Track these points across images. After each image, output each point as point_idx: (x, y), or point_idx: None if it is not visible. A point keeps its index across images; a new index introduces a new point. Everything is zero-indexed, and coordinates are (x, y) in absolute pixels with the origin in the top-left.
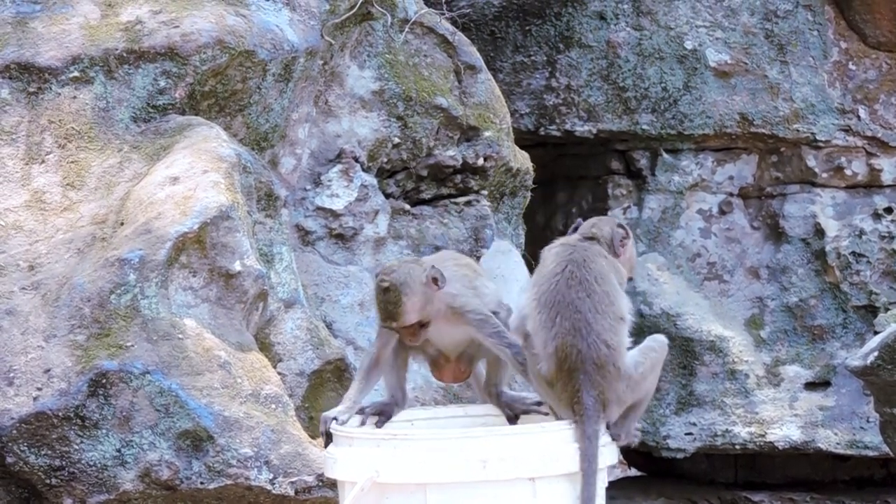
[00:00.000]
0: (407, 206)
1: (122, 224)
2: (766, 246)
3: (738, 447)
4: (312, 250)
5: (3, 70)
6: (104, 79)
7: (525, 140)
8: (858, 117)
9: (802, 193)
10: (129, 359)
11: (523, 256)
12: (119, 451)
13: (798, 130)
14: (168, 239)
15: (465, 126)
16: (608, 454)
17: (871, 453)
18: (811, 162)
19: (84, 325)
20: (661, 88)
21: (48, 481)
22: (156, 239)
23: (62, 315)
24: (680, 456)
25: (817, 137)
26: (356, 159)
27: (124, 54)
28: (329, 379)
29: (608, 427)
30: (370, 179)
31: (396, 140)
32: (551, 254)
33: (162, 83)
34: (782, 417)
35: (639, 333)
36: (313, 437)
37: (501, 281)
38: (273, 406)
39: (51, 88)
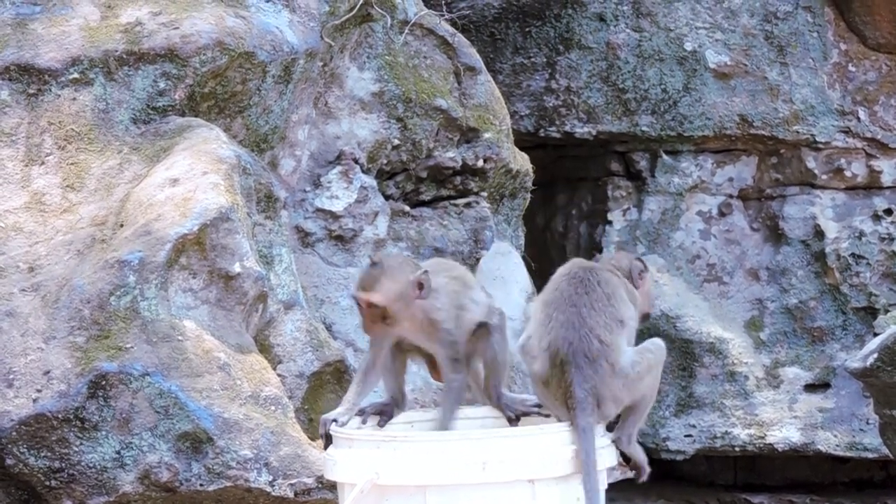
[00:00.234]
0: (406, 208)
1: (121, 226)
2: (766, 247)
3: (737, 449)
4: (312, 252)
5: (2, 71)
6: (104, 80)
7: (525, 141)
8: (858, 119)
9: (802, 195)
10: (129, 360)
11: (523, 258)
12: (119, 452)
13: (798, 132)
14: (168, 240)
15: (464, 128)
16: (607, 456)
17: (870, 455)
18: (811, 163)
19: (84, 326)
20: (661, 90)
21: (48, 483)
22: (155, 240)
23: (62, 317)
24: (679, 458)
25: (817, 139)
26: (356, 161)
27: (124, 56)
28: (329, 381)
29: (609, 430)
30: (370, 181)
31: (396, 141)
32: (563, 266)
33: (162, 85)
34: (782, 419)
35: (639, 336)
36: (313, 438)
37: (501, 283)
38: (273, 408)
39: (50, 90)
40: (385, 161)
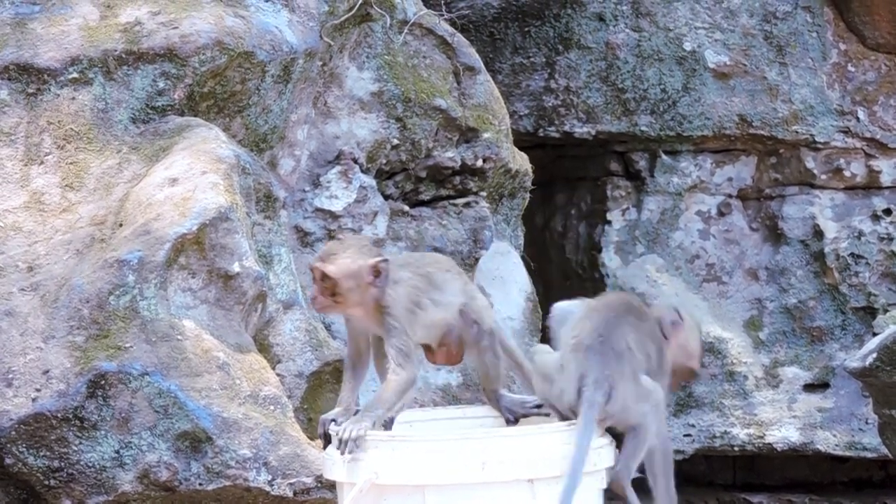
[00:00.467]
0: (406, 208)
1: (120, 225)
2: (765, 247)
3: (736, 449)
4: (311, 252)
5: (1, 71)
6: (103, 80)
7: (524, 141)
8: (857, 119)
9: (801, 195)
10: (128, 360)
11: (522, 258)
12: (118, 452)
13: (797, 132)
14: (167, 240)
15: (463, 127)
16: (605, 456)
17: (869, 455)
18: (810, 163)
19: (83, 326)
20: (660, 90)
21: (47, 482)
22: (155, 240)
23: (61, 316)
24: (678, 457)
25: (816, 139)
26: (355, 161)
27: (123, 55)
28: (328, 380)
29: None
30: (369, 181)
31: (395, 141)
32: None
33: (161, 84)
34: (781, 419)
35: None
36: (312, 438)
37: (500, 282)
38: (272, 407)
39: (50, 89)
40: (384, 161)
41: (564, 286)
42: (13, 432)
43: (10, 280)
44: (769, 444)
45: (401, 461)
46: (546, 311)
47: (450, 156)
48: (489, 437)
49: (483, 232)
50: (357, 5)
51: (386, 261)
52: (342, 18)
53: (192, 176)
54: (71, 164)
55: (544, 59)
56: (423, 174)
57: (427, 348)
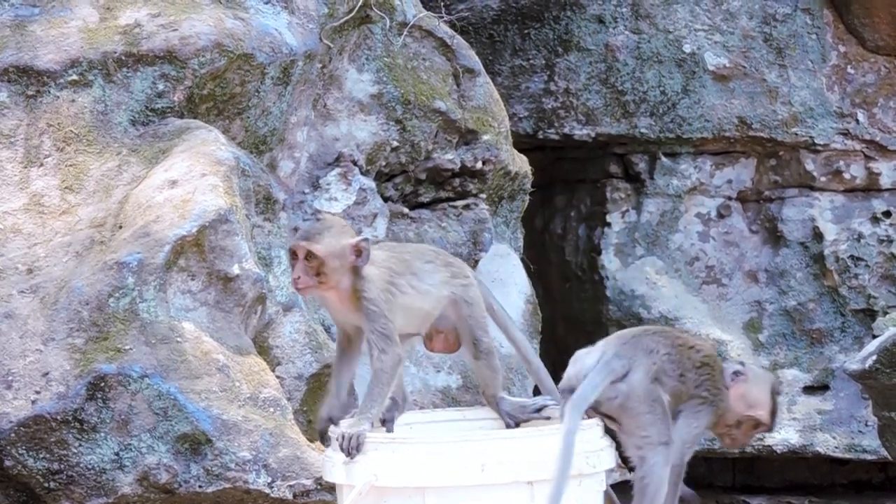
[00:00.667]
0: (405, 210)
1: (120, 227)
2: (765, 250)
3: (736, 451)
4: None
5: (1, 73)
6: (103, 82)
7: (523, 143)
8: (857, 121)
9: (801, 197)
10: (128, 362)
11: (522, 260)
12: (117, 454)
13: (797, 134)
14: (166, 242)
15: (463, 129)
16: (606, 457)
17: (869, 457)
18: (810, 166)
19: (82, 328)
20: (660, 92)
21: (46, 485)
22: (154, 242)
23: (60, 318)
24: None
25: (816, 141)
26: (355, 163)
27: (123, 57)
28: (327, 382)
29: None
30: (369, 183)
31: (395, 143)
32: None
33: (160, 86)
34: (780, 421)
35: None
36: (311, 440)
37: (500, 284)
38: (271, 409)
39: (49, 92)
40: (384, 163)
41: (564, 288)
42: (13, 434)
43: (9, 282)
44: (769, 446)
45: (400, 463)
46: (546, 313)
47: (449, 158)
48: (489, 439)
49: (482, 234)
50: (357, 7)
51: (367, 240)
52: (342, 20)
53: (192, 178)
54: (70, 166)
55: (544, 62)
56: (423, 176)
57: (426, 335)
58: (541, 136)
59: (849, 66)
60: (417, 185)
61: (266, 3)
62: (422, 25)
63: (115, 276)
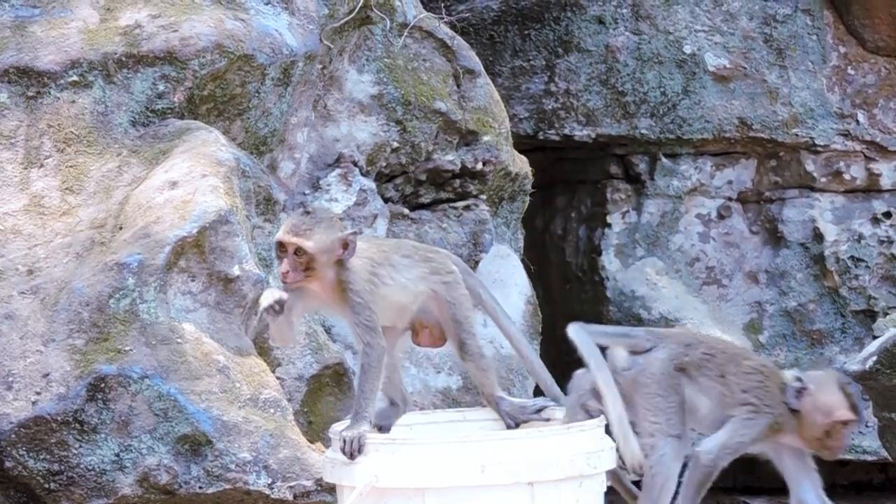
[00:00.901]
0: (406, 211)
1: (120, 228)
2: (765, 250)
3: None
4: None
5: (2, 74)
6: (103, 83)
7: (524, 144)
8: (857, 122)
9: (801, 198)
10: (128, 363)
11: (522, 261)
12: (118, 455)
13: (797, 135)
14: (167, 243)
15: (463, 130)
16: (606, 458)
17: (869, 458)
18: (810, 166)
19: (83, 329)
20: (660, 93)
21: (47, 486)
22: (154, 243)
23: (61, 319)
24: None
25: (816, 142)
26: (355, 163)
27: (123, 58)
28: (328, 383)
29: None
30: (369, 184)
31: (395, 144)
32: None
33: (161, 87)
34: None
35: None
36: (312, 441)
37: (500, 285)
38: (272, 410)
39: (50, 93)
40: (384, 164)
41: (564, 289)
42: (13, 435)
43: (9, 283)
44: None
45: (401, 464)
46: (546, 313)
47: (450, 159)
48: (489, 439)
49: (483, 235)
50: (357, 8)
51: (355, 233)
52: (342, 21)
53: (192, 179)
54: (71, 167)
55: (544, 62)
56: (423, 177)
57: (413, 330)
58: (541, 137)
59: (849, 67)
60: (418, 186)
61: (266, 4)
62: (422, 26)
63: (115, 277)
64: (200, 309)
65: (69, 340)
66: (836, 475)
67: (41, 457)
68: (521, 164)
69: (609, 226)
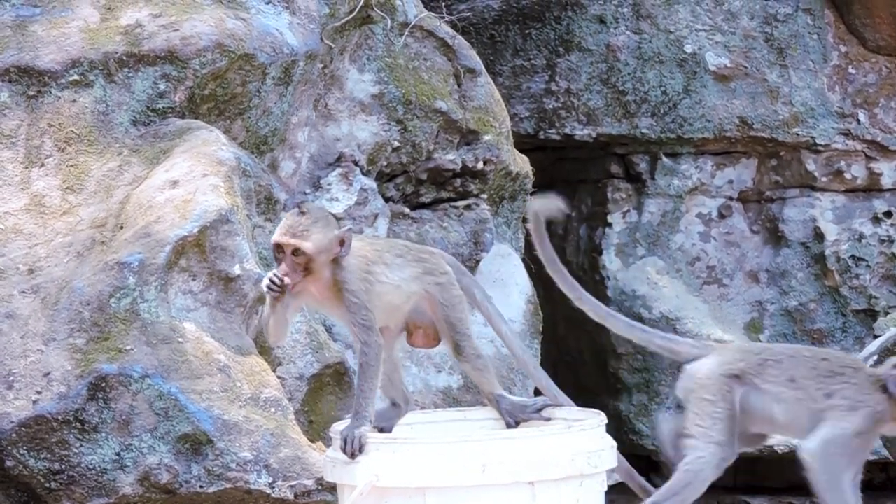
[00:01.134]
0: (406, 210)
1: (121, 228)
2: (766, 250)
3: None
4: None
5: (2, 73)
6: (104, 82)
7: (525, 144)
8: (858, 121)
9: (802, 197)
10: (129, 362)
11: (523, 260)
12: (118, 454)
13: (798, 134)
14: (168, 242)
15: (464, 130)
16: (607, 457)
17: (870, 457)
18: (811, 166)
19: (83, 328)
20: (661, 92)
21: (47, 485)
22: (155, 242)
23: (62, 319)
24: None
25: (817, 141)
26: (356, 163)
27: (124, 58)
28: (328, 383)
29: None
30: (370, 183)
31: (396, 144)
32: None
33: (162, 87)
34: None
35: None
36: (313, 440)
37: (501, 285)
38: (272, 410)
39: (50, 92)
40: (385, 163)
41: None
42: (14, 434)
43: (10, 282)
44: (770, 446)
45: (401, 463)
46: (546, 313)
47: (450, 158)
48: (490, 439)
49: (484, 234)
50: (358, 7)
51: (350, 230)
52: (343, 21)
53: (193, 178)
54: (71, 166)
55: (545, 62)
56: (424, 176)
57: (407, 330)
58: (542, 137)
59: (850, 67)
60: (418, 186)
61: (267, 4)
62: (423, 25)
63: (116, 276)
64: (201, 308)
65: (70, 340)
66: None
67: (42, 456)
68: (521, 164)
69: (610, 225)
